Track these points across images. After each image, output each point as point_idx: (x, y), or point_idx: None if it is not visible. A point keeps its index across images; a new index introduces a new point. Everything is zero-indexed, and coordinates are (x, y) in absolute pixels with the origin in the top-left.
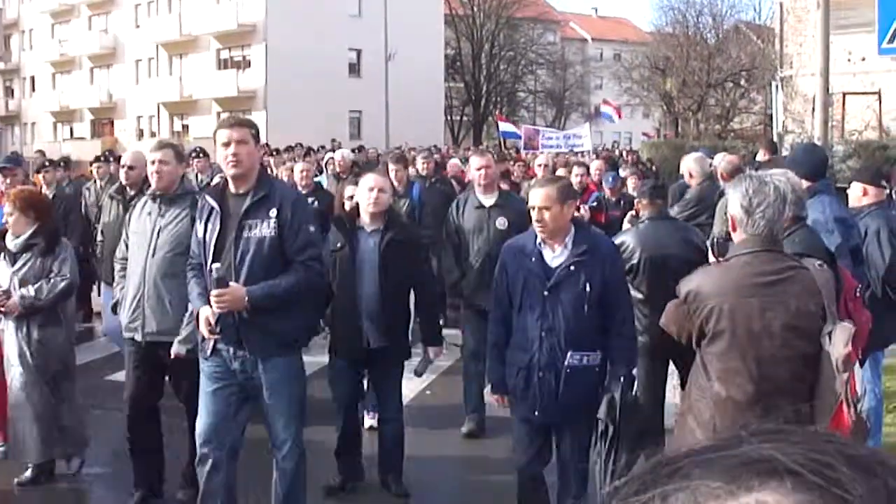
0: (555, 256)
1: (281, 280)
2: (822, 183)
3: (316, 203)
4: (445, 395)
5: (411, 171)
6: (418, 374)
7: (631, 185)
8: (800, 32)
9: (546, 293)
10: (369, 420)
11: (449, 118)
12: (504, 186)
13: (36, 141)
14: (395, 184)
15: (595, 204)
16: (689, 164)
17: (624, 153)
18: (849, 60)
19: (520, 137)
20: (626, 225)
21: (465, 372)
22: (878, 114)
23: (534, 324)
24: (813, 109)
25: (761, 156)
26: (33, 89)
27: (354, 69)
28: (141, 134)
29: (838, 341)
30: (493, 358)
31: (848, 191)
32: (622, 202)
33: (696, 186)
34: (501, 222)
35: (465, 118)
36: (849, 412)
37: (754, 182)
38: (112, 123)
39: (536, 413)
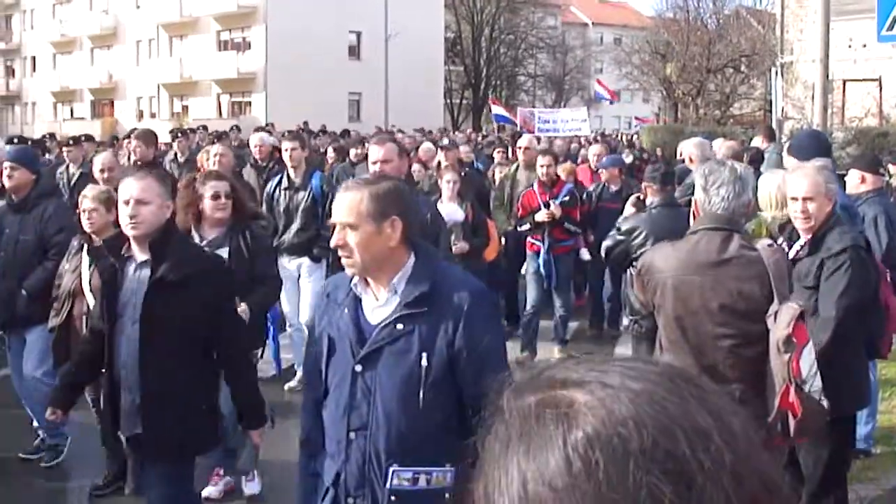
0: (377, 307)
1: None
2: None
3: None
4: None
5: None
6: (244, 471)
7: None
8: (801, 18)
9: (357, 367)
10: (249, 488)
11: (448, 101)
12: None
13: (36, 121)
14: (291, 172)
15: (567, 198)
16: (690, 149)
17: (626, 138)
18: (849, 47)
19: (513, 123)
20: (629, 209)
21: None
22: (879, 101)
23: (340, 417)
24: (813, 96)
25: (759, 142)
26: (34, 69)
27: (354, 51)
28: (141, 115)
29: (781, 322)
30: (302, 465)
31: (846, 178)
32: (622, 192)
33: None
34: None
35: (464, 101)
36: (794, 392)
37: (711, 164)
38: (112, 104)
39: None
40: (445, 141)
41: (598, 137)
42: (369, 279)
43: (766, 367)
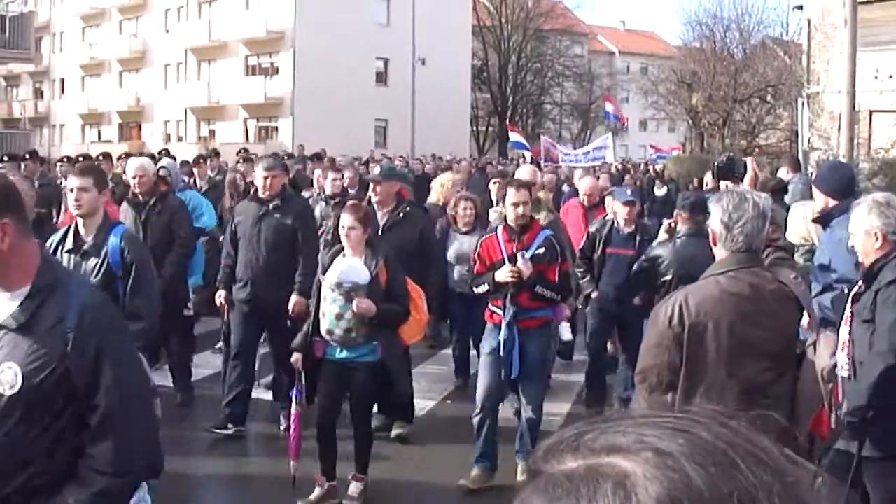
0: None
1: None
2: (849, 201)
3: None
4: None
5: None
6: None
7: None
8: (827, 49)
9: None
10: None
11: (475, 128)
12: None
13: (64, 143)
14: (81, 227)
15: (542, 251)
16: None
17: (653, 168)
18: (876, 78)
19: (528, 148)
20: (661, 235)
21: None
22: None
23: None
24: (839, 127)
25: (784, 173)
26: (63, 91)
27: (381, 78)
28: (168, 138)
29: (824, 352)
30: None
31: None
32: (637, 236)
33: None
34: None
35: (490, 129)
36: (830, 417)
37: (734, 198)
38: (140, 127)
39: None
40: (377, 170)
41: (620, 167)
42: None
43: (797, 392)
